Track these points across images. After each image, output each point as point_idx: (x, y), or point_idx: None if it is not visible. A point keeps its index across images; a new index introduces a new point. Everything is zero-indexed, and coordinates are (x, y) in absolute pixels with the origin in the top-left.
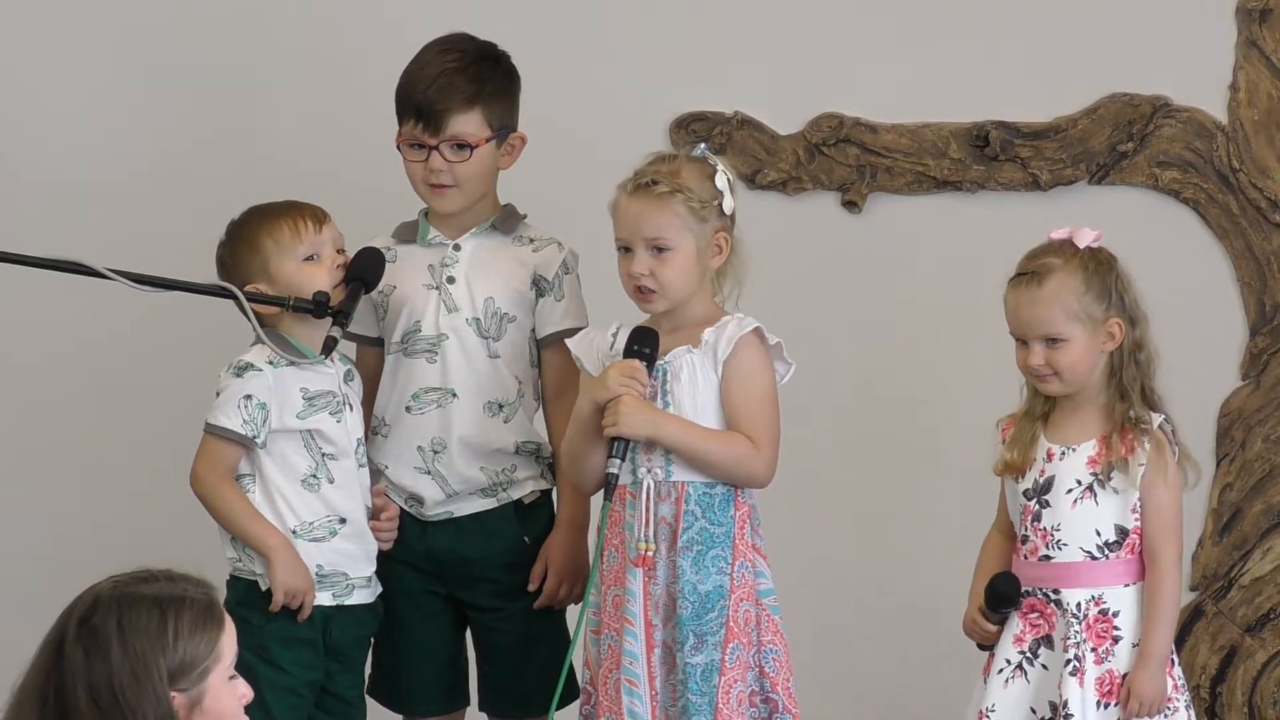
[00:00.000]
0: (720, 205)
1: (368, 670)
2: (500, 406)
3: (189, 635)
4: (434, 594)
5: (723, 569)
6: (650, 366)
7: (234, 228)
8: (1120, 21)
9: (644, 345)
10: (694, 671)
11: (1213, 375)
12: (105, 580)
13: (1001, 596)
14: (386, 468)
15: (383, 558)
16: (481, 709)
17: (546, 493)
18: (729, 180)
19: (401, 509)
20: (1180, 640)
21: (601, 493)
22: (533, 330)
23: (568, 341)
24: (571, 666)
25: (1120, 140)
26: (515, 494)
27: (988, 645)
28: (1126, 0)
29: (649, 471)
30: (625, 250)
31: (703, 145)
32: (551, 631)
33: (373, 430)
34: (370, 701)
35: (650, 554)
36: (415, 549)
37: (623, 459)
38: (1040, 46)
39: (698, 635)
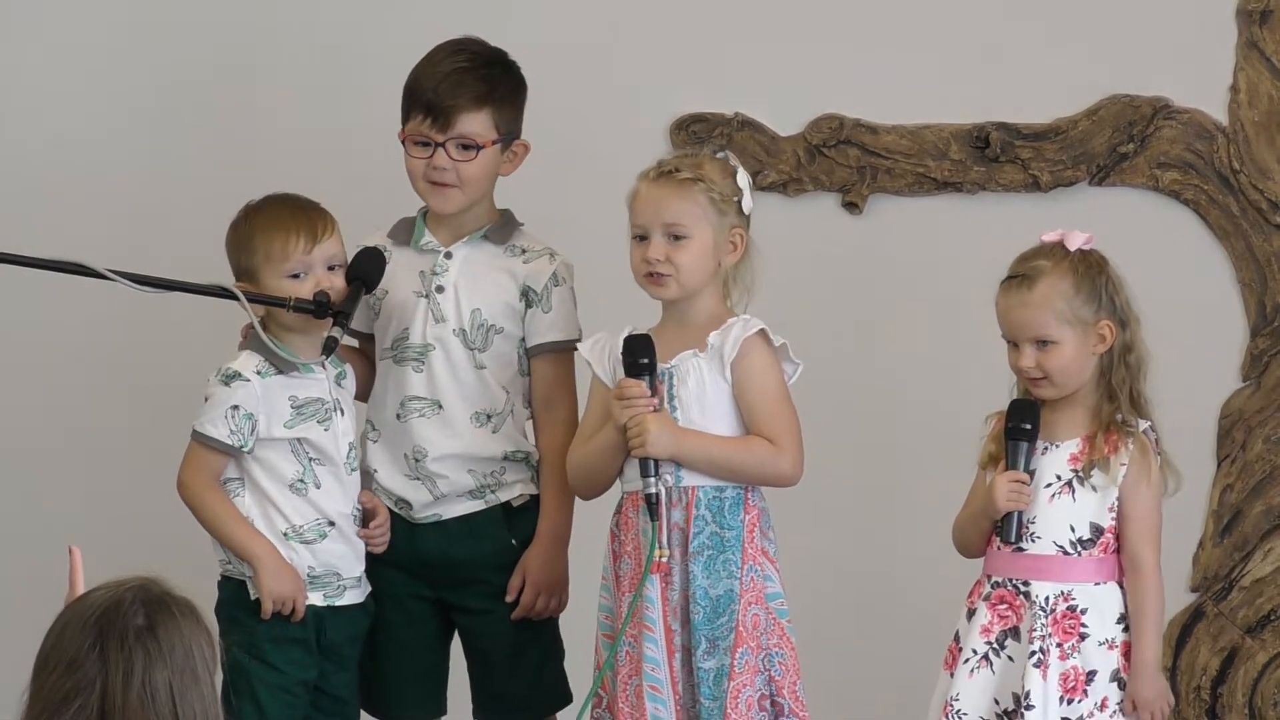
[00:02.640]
0: (739, 203)
1: None
2: (489, 417)
3: (211, 636)
4: (420, 598)
5: (733, 573)
6: (651, 373)
7: (247, 215)
8: (1120, 23)
9: (639, 355)
10: (706, 676)
11: (1213, 376)
12: (125, 588)
13: (1021, 410)
14: (377, 471)
15: (370, 560)
16: (476, 715)
17: (535, 497)
18: (749, 182)
19: (391, 511)
20: (1181, 641)
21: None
22: (522, 340)
23: (580, 346)
24: (564, 672)
25: (1121, 141)
26: (503, 496)
27: (1014, 511)
28: (1127, 1)
29: (660, 477)
30: (640, 238)
31: (725, 152)
32: (542, 635)
33: (364, 434)
34: None
35: (666, 560)
36: (403, 550)
37: (656, 477)
38: (1040, 47)
39: (710, 640)
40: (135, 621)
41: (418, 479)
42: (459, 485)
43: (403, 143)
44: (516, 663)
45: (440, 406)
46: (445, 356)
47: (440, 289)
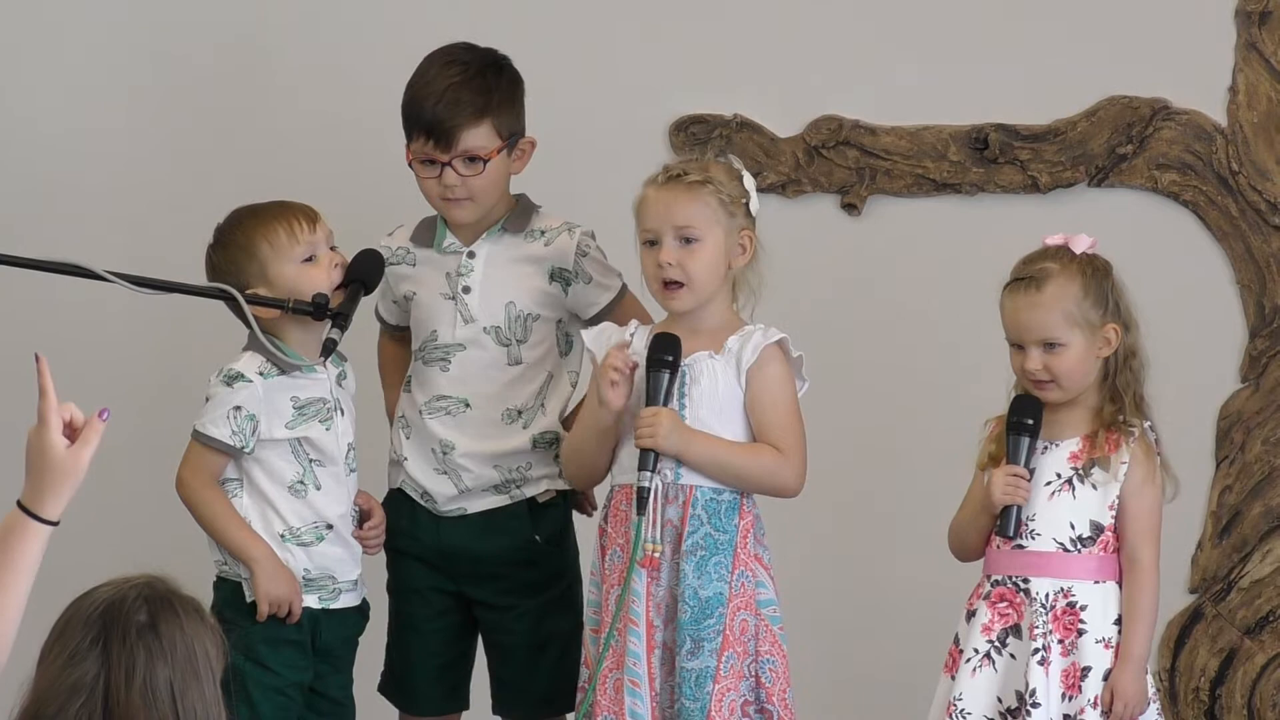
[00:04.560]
0: (747, 205)
1: (379, 668)
2: (519, 413)
3: (216, 634)
4: (443, 592)
5: (723, 576)
6: (672, 372)
7: (225, 231)
8: (1120, 24)
9: (665, 353)
10: (689, 676)
11: (1212, 378)
12: (130, 585)
13: (1024, 405)
14: (406, 460)
15: (394, 553)
16: (495, 711)
17: (562, 494)
18: (754, 184)
19: (416, 502)
20: (1180, 642)
21: (596, 485)
22: (559, 320)
23: (583, 333)
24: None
25: (1120, 143)
26: (529, 492)
27: (1013, 504)
28: (1126, 2)
29: (658, 473)
30: (650, 244)
31: (727, 155)
32: (563, 631)
33: (399, 427)
34: (364, 702)
35: (657, 555)
36: (427, 543)
37: (654, 471)
38: (1040, 49)
39: (695, 640)
40: (138, 618)
41: (444, 472)
42: (484, 480)
43: (410, 164)
44: (536, 659)
45: (468, 405)
46: (475, 356)
47: (467, 289)
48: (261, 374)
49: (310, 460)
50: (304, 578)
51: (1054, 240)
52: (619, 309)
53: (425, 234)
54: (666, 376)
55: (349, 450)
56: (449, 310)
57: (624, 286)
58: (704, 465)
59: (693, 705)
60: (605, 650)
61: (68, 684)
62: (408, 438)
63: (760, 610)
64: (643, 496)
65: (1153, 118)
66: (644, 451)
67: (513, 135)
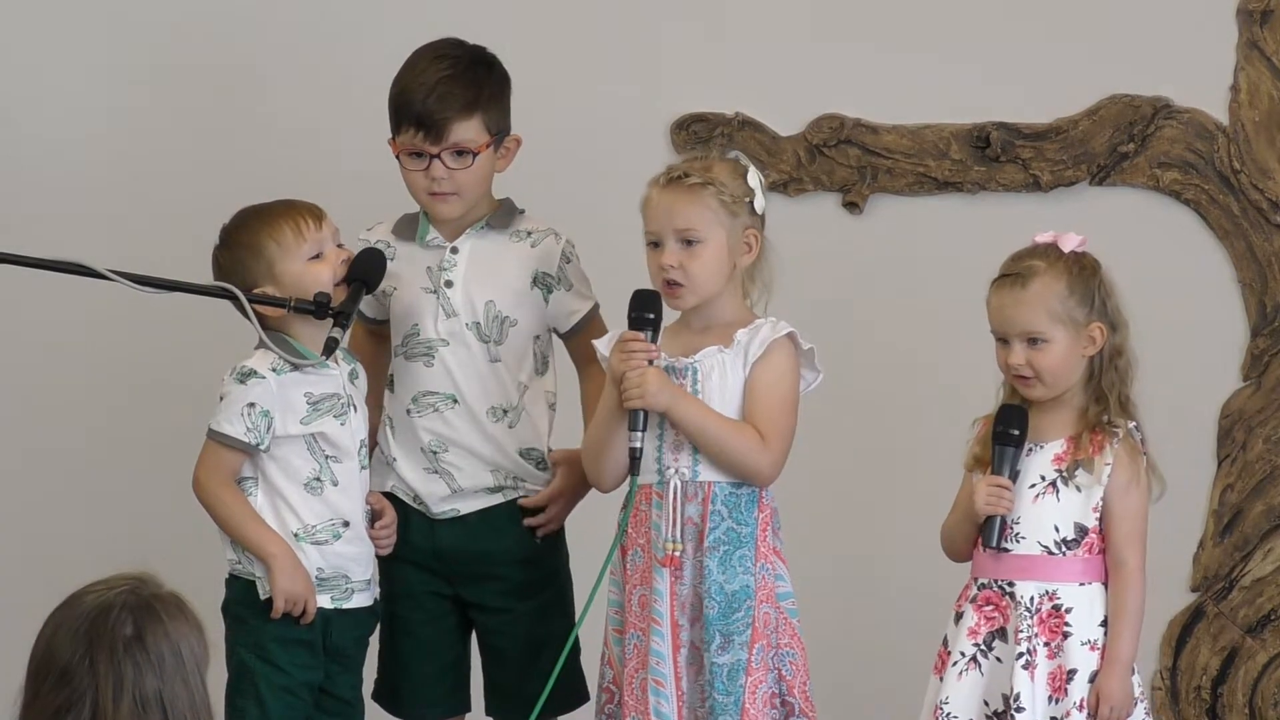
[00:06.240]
0: (751, 203)
1: (370, 673)
2: (504, 412)
3: (201, 631)
4: (438, 595)
5: (748, 569)
6: (655, 329)
7: (231, 232)
8: (1121, 22)
9: (645, 310)
10: (720, 671)
11: (1213, 376)
12: (115, 591)
13: (1010, 415)
14: (395, 461)
15: (387, 558)
16: (488, 713)
17: None
18: (760, 181)
19: (409, 506)
20: (1181, 641)
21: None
22: (536, 337)
23: (595, 343)
24: (581, 670)
25: (1121, 141)
26: (523, 493)
27: (997, 513)
28: (1127, 1)
29: (676, 471)
30: (654, 245)
31: (735, 152)
32: (558, 634)
33: (386, 426)
34: (371, 702)
35: (678, 554)
36: (421, 546)
37: (644, 431)
38: (1041, 47)
39: (724, 635)
40: (124, 631)
41: (435, 472)
42: (477, 480)
43: (396, 156)
44: (531, 661)
45: (455, 401)
46: (458, 351)
47: (449, 284)
48: (274, 370)
49: (326, 456)
50: (317, 577)
51: (1044, 238)
52: (594, 325)
53: (407, 228)
54: (649, 335)
55: (361, 446)
56: (431, 304)
57: (597, 305)
58: (687, 427)
59: (725, 699)
60: (614, 656)
61: (57, 704)
62: (393, 437)
63: (779, 603)
64: (635, 457)
65: (1154, 116)
66: (633, 412)
67: (500, 132)
